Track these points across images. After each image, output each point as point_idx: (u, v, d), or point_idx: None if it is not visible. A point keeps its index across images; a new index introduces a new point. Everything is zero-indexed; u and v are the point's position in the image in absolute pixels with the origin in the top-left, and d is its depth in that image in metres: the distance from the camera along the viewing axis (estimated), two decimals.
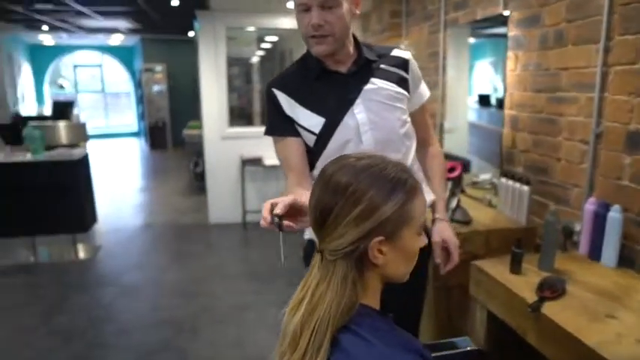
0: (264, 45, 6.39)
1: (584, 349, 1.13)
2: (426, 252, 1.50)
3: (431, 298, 2.06)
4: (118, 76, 12.34)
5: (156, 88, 10.25)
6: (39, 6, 4.52)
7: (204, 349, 2.68)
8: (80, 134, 5.86)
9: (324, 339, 0.78)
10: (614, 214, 1.58)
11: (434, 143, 1.55)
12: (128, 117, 12.61)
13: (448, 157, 3.23)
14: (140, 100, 11.00)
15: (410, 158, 1.39)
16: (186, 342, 2.75)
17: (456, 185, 2.05)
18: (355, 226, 0.76)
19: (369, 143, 1.30)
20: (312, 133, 1.32)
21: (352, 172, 0.78)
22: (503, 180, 2.22)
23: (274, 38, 6.69)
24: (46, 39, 9.53)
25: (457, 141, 3.15)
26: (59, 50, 10.98)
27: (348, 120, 1.30)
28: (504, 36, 2.41)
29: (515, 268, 1.55)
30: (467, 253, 1.98)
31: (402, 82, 1.36)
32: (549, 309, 1.30)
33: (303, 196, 1.01)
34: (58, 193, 3.84)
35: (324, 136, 1.31)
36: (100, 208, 5.70)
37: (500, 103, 2.52)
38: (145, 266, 3.99)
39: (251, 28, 5.43)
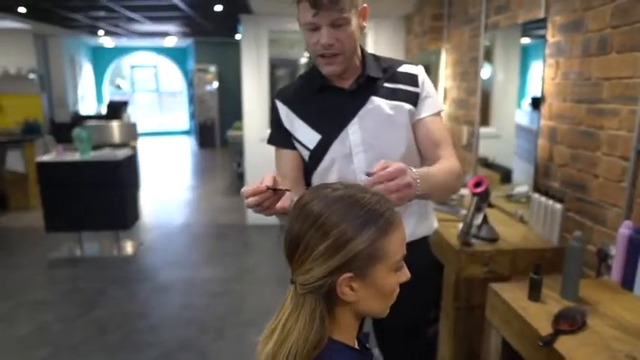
0: None
1: None
2: (436, 269, 1.43)
3: (451, 317, 1.97)
4: (172, 76, 12.81)
5: (207, 88, 10.55)
6: (93, 13, 4.76)
7: (226, 350, 2.71)
8: (130, 133, 6.12)
9: None
10: None
11: (448, 157, 1.34)
12: (180, 116, 13.06)
13: (489, 165, 3.09)
14: (191, 99, 11.36)
15: None
16: (210, 343, 2.80)
17: (482, 200, 1.94)
18: (323, 261, 0.72)
19: (360, 165, 1.25)
20: (307, 148, 1.29)
21: (325, 202, 0.74)
22: (536, 196, 2.08)
23: None
24: (106, 41, 10.02)
25: (502, 147, 3.00)
26: (118, 52, 11.54)
27: (341, 139, 1.26)
28: None
29: (534, 295, 1.44)
30: (491, 273, 1.88)
31: (410, 98, 1.29)
32: (564, 344, 1.20)
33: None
34: (103, 191, 4.02)
35: (318, 153, 1.28)
36: (145, 205, 5.93)
37: None
38: (180, 264, 4.10)
39: (295, 30, 5.45)
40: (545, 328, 1.27)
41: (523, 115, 2.96)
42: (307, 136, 1.29)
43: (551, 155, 2.25)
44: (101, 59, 11.24)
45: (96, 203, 4.02)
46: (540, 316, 1.35)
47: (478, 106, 3.08)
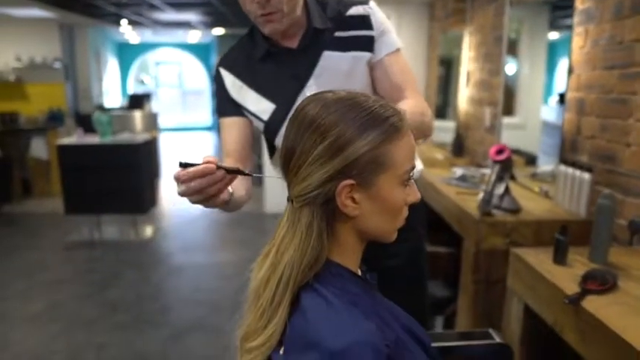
0: None
1: (629, 353, 0.93)
2: (418, 238, 1.28)
3: (470, 292, 1.87)
4: (196, 74, 12.93)
5: None
6: None
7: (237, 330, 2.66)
8: (151, 123, 6.16)
9: (283, 296, 0.68)
10: None
11: (407, 98, 1.16)
12: (203, 112, 13.16)
13: (513, 151, 2.98)
14: (214, 95, 11.41)
15: None
16: (221, 322, 2.75)
17: (504, 170, 1.83)
18: (320, 165, 0.65)
19: None
20: (261, 120, 1.16)
21: (322, 104, 0.67)
22: (562, 167, 1.97)
23: None
24: (132, 37, 10.17)
25: (527, 138, 2.88)
26: (143, 48, 11.70)
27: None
28: None
29: (559, 258, 1.34)
30: (513, 245, 1.78)
31: (366, 44, 1.13)
32: (592, 303, 1.10)
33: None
34: (121, 174, 4.03)
35: (274, 124, 1.14)
36: (165, 192, 5.95)
37: None
38: (195, 249, 4.08)
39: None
40: (571, 289, 1.17)
41: (549, 112, 2.84)
42: (260, 105, 1.14)
43: (578, 128, 2.12)
44: (126, 55, 11.41)
45: (114, 186, 4.03)
46: (567, 278, 1.25)
47: (502, 85, 2.96)
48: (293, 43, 1.13)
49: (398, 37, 1.20)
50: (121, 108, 7.92)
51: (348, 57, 1.12)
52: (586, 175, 1.82)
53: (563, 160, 2.03)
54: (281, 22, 1.05)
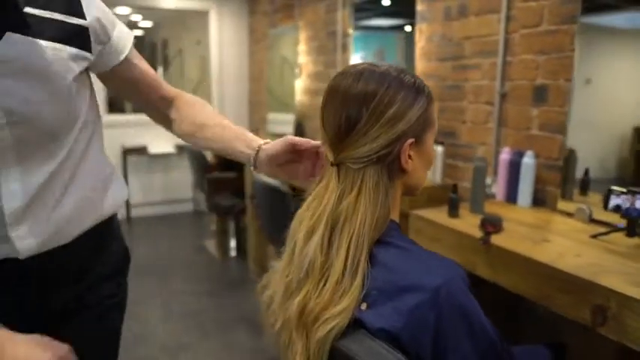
0: (135, 32, 5.89)
1: (539, 268, 1.24)
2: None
3: None
4: None
5: None
6: None
7: None
8: None
9: (361, 257, 0.72)
10: (528, 160, 1.77)
11: (179, 93, 1.05)
12: None
13: None
14: None
15: (91, 159, 0.91)
16: None
17: None
18: (390, 127, 0.73)
19: (3, 146, 0.76)
20: None
21: (376, 77, 0.75)
22: None
23: (148, 24, 6.24)
24: None
25: None
26: None
27: None
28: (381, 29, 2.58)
29: (453, 212, 1.64)
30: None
31: (75, 37, 0.81)
32: (496, 240, 1.41)
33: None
34: None
35: None
36: None
37: None
38: None
39: (124, 9, 5.00)
40: (475, 235, 1.46)
41: None
42: None
43: None
44: None
45: None
46: (465, 227, 1.54)
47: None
48: None
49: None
50: None
51: (46, 47, 0.76)
52: (439, 148, 2.22)
53: None
54: None
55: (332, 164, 0.77)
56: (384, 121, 0.73)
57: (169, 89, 1.04)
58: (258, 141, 0.95)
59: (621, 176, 1.68)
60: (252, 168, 0.94)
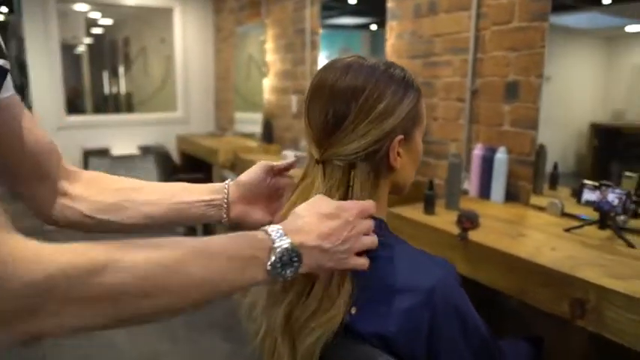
0: (95, 30, 5.65)
1: (518, 262, 1.24)
2: None
3: None
4: None
5: None
6: None
7: None
8: None
9: None
10: (501, 156, 1.79)
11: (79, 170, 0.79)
12: None
13: None
14: None
15: None
16: None
17: None
18: (379, 123, 0.70)
19: None
20: None
21: (365, 71, 0.71)
22: None
23: (109, 22, 6.01)
24: None
25: None
26: None
27: None
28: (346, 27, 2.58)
29: (430, 208, 1.63)
30: None
31: None
32: (473, 236, 1.40)
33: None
34: None
35: None
36: None
37: None
38: None
39: (82, 6, 4.80)
40: (451, 231, 1.46)
41: None
42: None
43: None
44: None
45: None
46: (442, 223, 1.54)
47: (308, 74, 3.25)
48: None
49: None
50: None
51: None
52: None
53: None
54: None
55: (317, 162, 0.73)
56: (373, 116, 0.69)
57: (59, 158, 0.75)
58: (217, 185, 0.81)
59: (580, 171, 1.72)
60: (223, 218, 0.79)
